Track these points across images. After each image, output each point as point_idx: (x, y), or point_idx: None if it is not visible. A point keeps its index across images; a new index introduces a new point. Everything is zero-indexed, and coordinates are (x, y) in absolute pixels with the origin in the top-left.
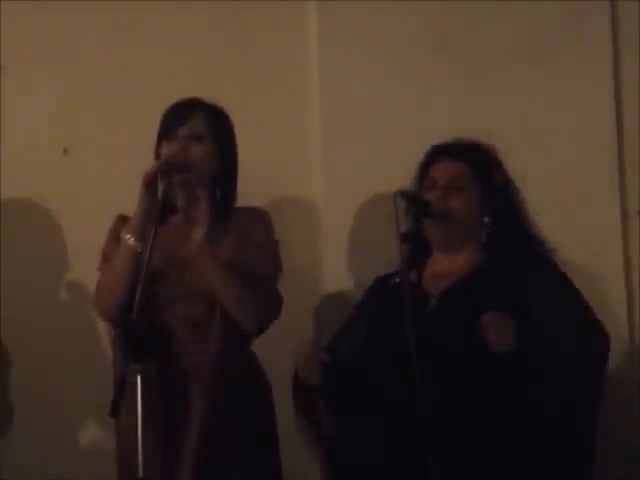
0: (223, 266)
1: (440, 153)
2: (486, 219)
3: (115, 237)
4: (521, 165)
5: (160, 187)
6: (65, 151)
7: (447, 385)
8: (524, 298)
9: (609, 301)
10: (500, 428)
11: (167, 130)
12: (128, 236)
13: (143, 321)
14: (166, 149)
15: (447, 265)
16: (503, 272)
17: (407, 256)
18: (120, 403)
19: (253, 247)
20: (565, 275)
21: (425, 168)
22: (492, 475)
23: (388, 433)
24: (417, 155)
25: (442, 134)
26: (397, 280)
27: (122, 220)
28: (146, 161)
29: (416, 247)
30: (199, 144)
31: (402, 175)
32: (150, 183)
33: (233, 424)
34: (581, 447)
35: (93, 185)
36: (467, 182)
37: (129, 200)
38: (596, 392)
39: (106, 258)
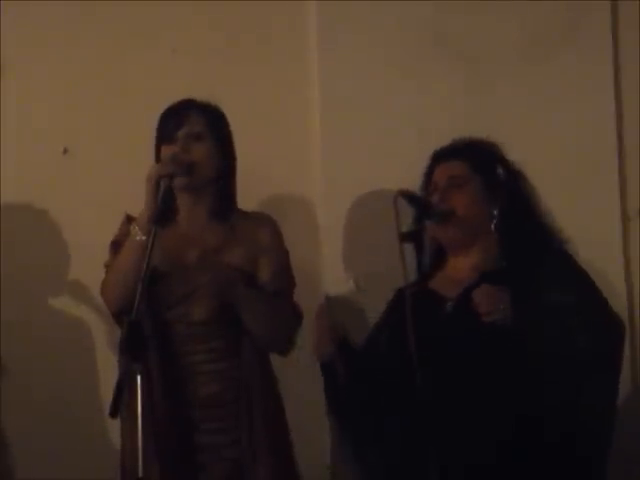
0: (256, 298)
1: (441, 156)
2: (495, 212)
3: (125, 234)
4: (521, 165)
5: (160, 188)
6: (65, 151)
7: (463, 387)
8: (541, 293)
9: (609, 301)
10: (517, 429)
11: (166, 133)
12: (138, 232)
13: (144, 321)
14: (166, 151)
15: (461, 266)
16: (518, 269)
17: (421, 261)
18: (119, 403)
19: (270, 264)
20: (580, 266)
21: (428, 174)
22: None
23: (401, 436)
24: (417, 155)
25: (442, 134)
26: (413, 290)
27: (130, 220)
28: (146, 161)
29: (433, 252)
30: (200, 143)
31: (402, 175)
32: (158, 183)
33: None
34: (597, 444)
35: (93, 185)
36: (466, 179)
37: (129, 200)
38: (612, 384)
39: (114, 253)
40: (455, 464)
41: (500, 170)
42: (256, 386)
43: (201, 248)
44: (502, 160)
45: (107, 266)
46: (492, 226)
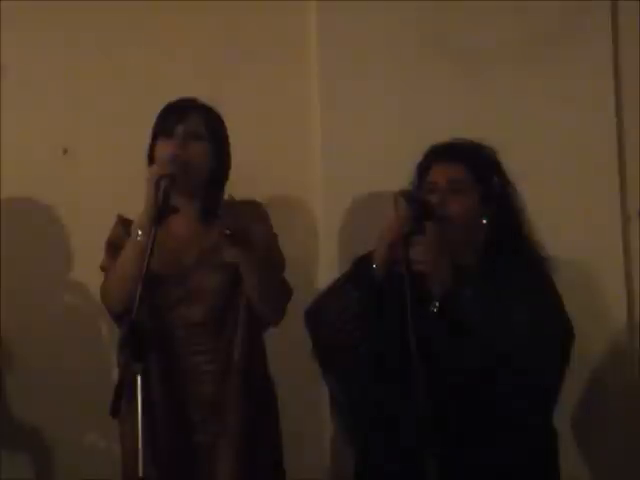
0: (258, 261)
1: (439, 155)
2: (484, 221)
3: (118, 235)
4: (521, 165)
5: (160, 188)
6: (65, 151)
7: (447, 386)
8: (510, 298)
9: (609, 301)
10: (501, 427)
11: (164, 127)
12: (138, 232)
13: (144, 322)
14: (163, 146)
15: None
16: (497, 274)
17: (406, 254)
18: (120, 403)
19: (260, 244)
20: (547, 275)
21: (424, 170)
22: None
23: (387, 431)
24: (417, 155)
25: (442, 134)
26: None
27: (123, 221)
28: (146, 161)
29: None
30: (197, 142)
31: (401, 175)
32: (157, 183)
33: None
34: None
35: (93, 185)
36: (466, 185)
37: (129, 200)
38: (550, 390)
39: (110, 255)
40: (435, 461)
41: (496, 179)
42: (237, 385)
43: (198, 249)
44: (498, 169)
45: (103, 267)
46: (481, 234)
